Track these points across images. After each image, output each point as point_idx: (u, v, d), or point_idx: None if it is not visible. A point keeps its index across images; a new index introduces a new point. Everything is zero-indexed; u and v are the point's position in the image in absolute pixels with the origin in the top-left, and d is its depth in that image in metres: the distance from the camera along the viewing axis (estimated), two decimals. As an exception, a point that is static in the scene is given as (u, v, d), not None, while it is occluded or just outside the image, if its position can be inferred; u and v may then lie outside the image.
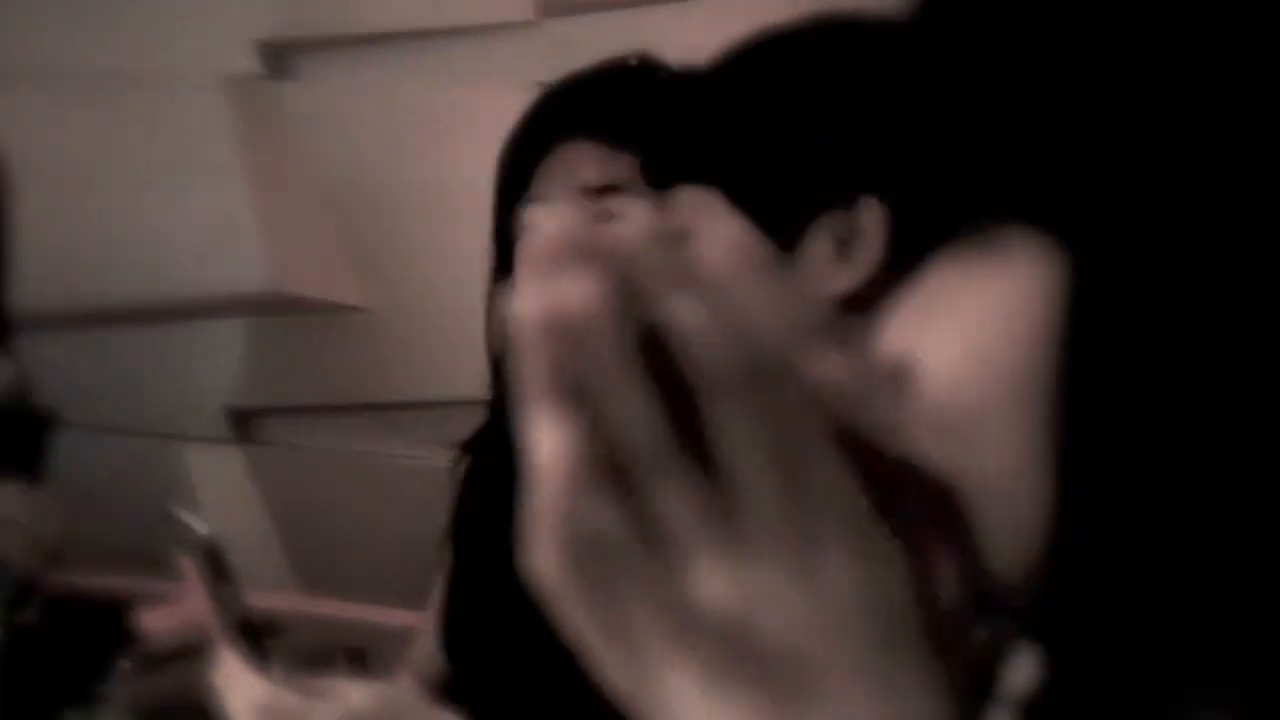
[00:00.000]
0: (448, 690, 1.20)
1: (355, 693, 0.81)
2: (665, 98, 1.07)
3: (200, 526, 0.74)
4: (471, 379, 1.29)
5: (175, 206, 1.95)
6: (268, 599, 1.60)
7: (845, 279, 0.78)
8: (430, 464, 1.31)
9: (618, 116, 1.10)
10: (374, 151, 1.91)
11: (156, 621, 0.89)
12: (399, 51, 1.90)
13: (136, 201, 1.96)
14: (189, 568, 0.74)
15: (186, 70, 1.94)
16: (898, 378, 0.43)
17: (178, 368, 1.99)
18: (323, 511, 1.92)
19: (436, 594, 1.28)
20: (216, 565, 0.74)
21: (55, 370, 1.23)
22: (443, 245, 1.82)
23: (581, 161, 1.11)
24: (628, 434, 0.33)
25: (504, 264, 1.19)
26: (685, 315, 0.32)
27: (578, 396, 0.32)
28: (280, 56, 1.95)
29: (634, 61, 1.16)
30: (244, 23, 1.92)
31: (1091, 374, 0.39)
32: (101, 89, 1.94)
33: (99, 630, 1.23)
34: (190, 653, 1.29)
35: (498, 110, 1.75)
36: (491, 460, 1.21)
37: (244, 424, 1.98)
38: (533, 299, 0.33)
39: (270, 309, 1.94)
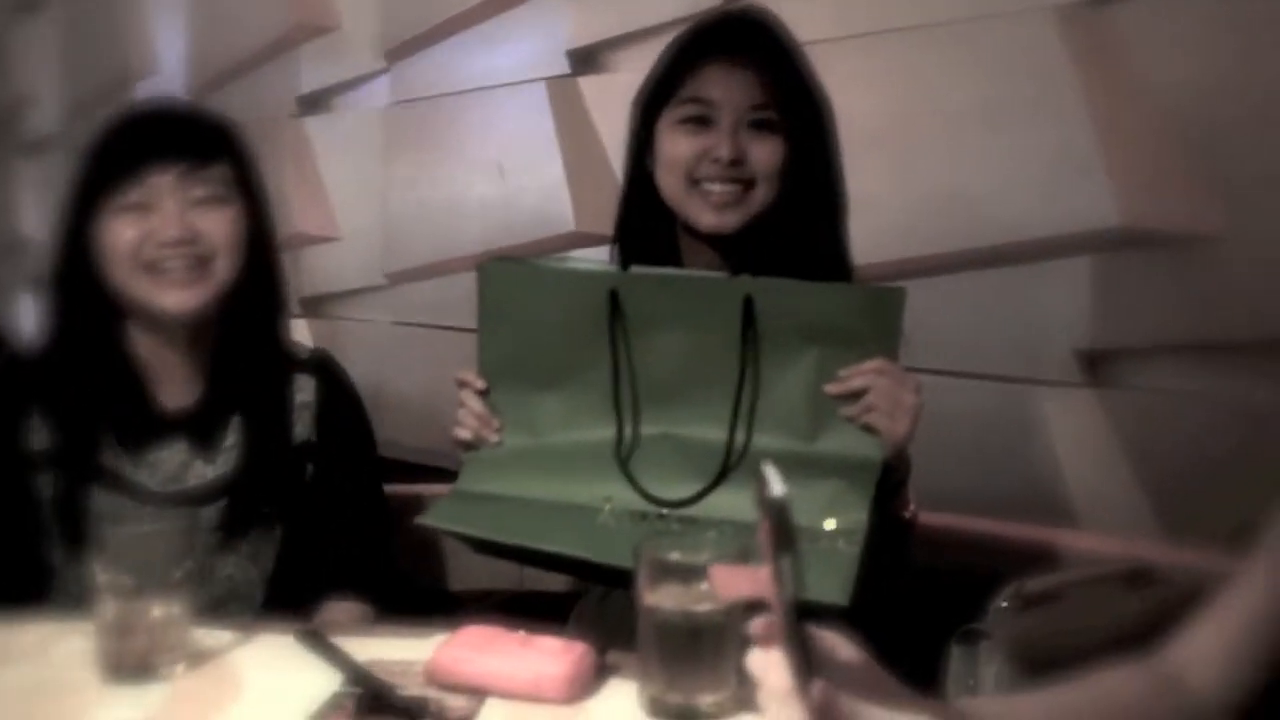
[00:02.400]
0: None
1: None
2: None
3: (778, 487, 0.67)
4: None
5: (1016, 146, 1.95)
6: (1129, 545, 1.55)
7: None
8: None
9: None
10: (1214, 69, 1.76)
11: (726, 578, 0.84)
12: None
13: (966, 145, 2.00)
14: (762, 529, 0.68)
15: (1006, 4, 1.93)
16: None
17: (1026, 310, 2.00)
18: (1177, 455, 1.82)
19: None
20: (783, 532, 0.67)
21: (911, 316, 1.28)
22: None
23: None
24: None
25: None
26: None
27: None
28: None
29: None
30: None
31: None
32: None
33: (979, 571, 1.26)
34: (1061, 595, 1.27)
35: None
36: None
37: (1093, 365, 1.94)
38: None
39: (1118, 245, 1.87)
